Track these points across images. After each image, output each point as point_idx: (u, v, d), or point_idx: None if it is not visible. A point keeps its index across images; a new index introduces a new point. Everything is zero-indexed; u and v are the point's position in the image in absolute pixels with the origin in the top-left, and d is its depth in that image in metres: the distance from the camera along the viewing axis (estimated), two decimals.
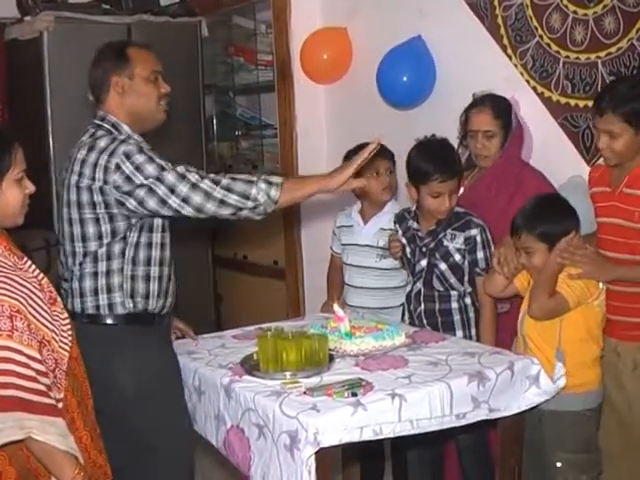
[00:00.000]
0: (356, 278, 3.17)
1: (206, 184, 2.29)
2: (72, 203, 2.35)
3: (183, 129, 4.22)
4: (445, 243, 2.79)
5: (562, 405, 2.42)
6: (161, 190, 2.27)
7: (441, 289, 2.81)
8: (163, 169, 2.29)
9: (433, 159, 2.75)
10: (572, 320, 2.44)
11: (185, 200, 2.27)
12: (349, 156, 2.85)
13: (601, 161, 2.65)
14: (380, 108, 3.70)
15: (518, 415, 2.34)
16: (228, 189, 2.29)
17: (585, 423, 2.47)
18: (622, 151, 2.43)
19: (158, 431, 2.37)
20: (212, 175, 2.33)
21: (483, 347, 2.52)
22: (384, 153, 2.95)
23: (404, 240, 2.91)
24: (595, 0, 2.82)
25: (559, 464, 2.44)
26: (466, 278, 2.79)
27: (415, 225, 2.89)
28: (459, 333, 2.79)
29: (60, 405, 1.90)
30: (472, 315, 2.83)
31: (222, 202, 2.29)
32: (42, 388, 1.82)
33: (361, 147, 2.52)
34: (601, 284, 2.47)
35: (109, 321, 2.38)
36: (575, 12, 2.90)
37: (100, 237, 2.35)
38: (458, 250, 2.77)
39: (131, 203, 2.30)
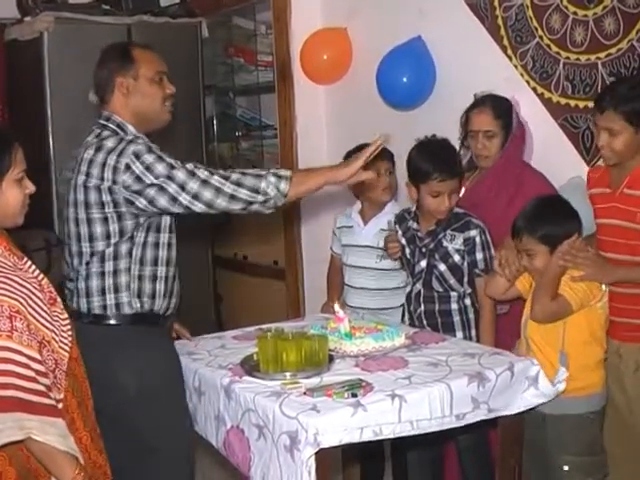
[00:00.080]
0: (356, 279, 3.17)
1: (216, 180, 2.29)
2: (79, 203, 2.35)
3: (183, 130, 4.21)
4: (444, 244, 2.79)
5: (565, 408, 2.41)
6: (172, 188, 2.27)
7: (441, 290, 2.81)
8: (173, 167, 2.29)
9: (433, 158, 2.75)
10: (575, 323, 2.42)
11: (196, 197, 2.28)
12: (349, 157, 2.84)
13: (601, 162, 2.65)
14: (380, 109, 3.69)
15: (518, 415, 2.34)
16: (238, 184, 2.29)
17: (589, 426, 2.45)
18: (621, 150, 2.42)
19: (159, 431, 2.37)
20: (221, 171, 2.34)
21: (483, 348, 2.52)
22: (384, 154, 2.95)
23: (404, 241, 2.91)
24: (595, 1, 2.82)
25: (566, 467, 2.42)
26: (465, 279, 2.79)
27: (415, 225, 2.88)
28: (459, 334, 2.79)
29: (60, 405, 1.89)
30: (472, 316, 2.82)
31: (232, 197, 2.29)
32: (42, 389, 1.82)
33: (361, 148, 2.52)
34: (604, 286, 2.45)
35: (113, 321, 2.38)
36: (575, 13, 2.90)
37: (108, 237, 2.34)
38: (457, 251, 2.77)
39: (141, 202, 2.30)
